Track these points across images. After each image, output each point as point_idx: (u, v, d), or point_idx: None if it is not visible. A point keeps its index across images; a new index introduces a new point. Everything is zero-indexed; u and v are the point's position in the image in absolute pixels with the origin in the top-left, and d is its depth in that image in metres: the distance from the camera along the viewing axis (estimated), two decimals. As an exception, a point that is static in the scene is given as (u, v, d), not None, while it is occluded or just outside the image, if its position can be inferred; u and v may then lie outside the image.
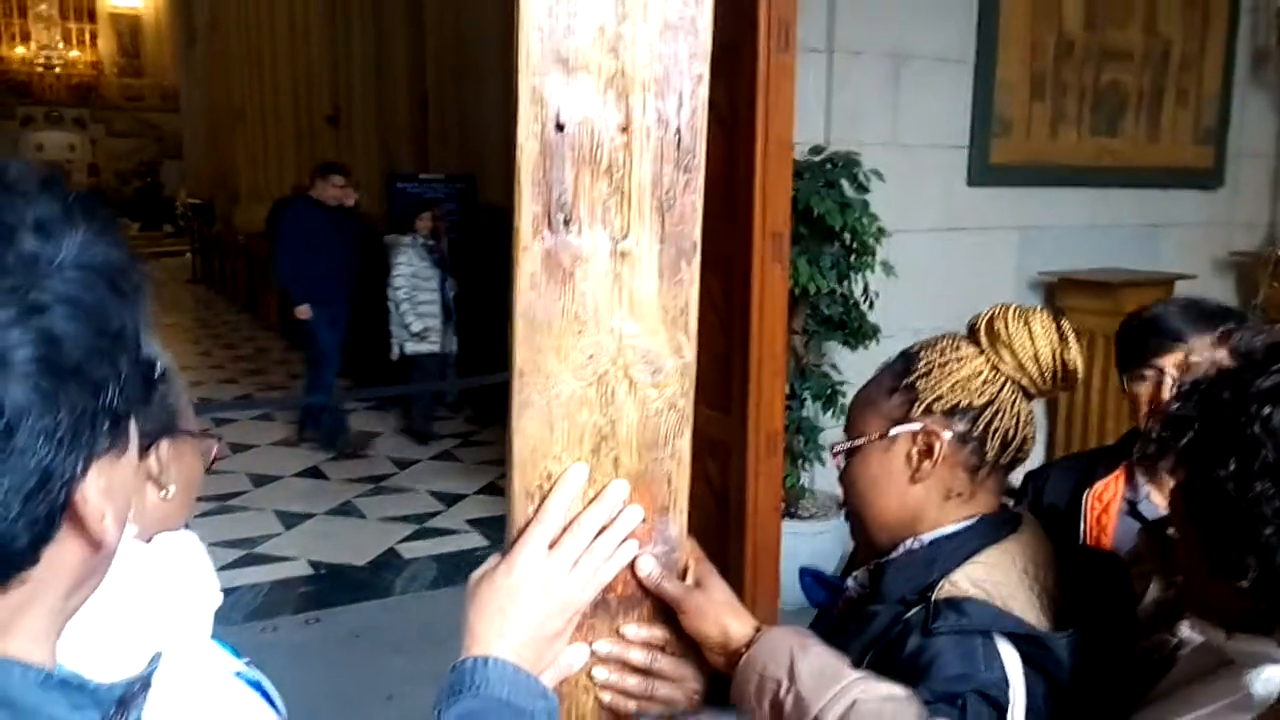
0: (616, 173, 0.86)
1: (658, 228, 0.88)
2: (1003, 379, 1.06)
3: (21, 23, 23.72)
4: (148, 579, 0.92)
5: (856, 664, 0.93)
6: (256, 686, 1.08)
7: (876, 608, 1.04)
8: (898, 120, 4.16)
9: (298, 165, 12.02)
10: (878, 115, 4.09)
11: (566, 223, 0.85)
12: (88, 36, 24.41)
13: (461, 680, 0.82)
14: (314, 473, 5.68)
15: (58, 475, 0.47)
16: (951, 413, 1.05)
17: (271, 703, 1.07)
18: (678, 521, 0.93)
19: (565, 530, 0.88)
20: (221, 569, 3.87)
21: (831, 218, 3.66)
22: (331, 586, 4.29)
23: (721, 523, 3.50)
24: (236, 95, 13.85)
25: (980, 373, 1.06)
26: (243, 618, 3.84)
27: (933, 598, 0.99)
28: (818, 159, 3.82)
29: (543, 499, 0.88)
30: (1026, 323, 1.06)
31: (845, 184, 3.78)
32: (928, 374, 1.06)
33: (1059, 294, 4.49)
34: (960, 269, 4.27)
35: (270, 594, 4.13)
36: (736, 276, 3.31)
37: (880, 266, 3.88)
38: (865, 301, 3.87)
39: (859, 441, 1.10)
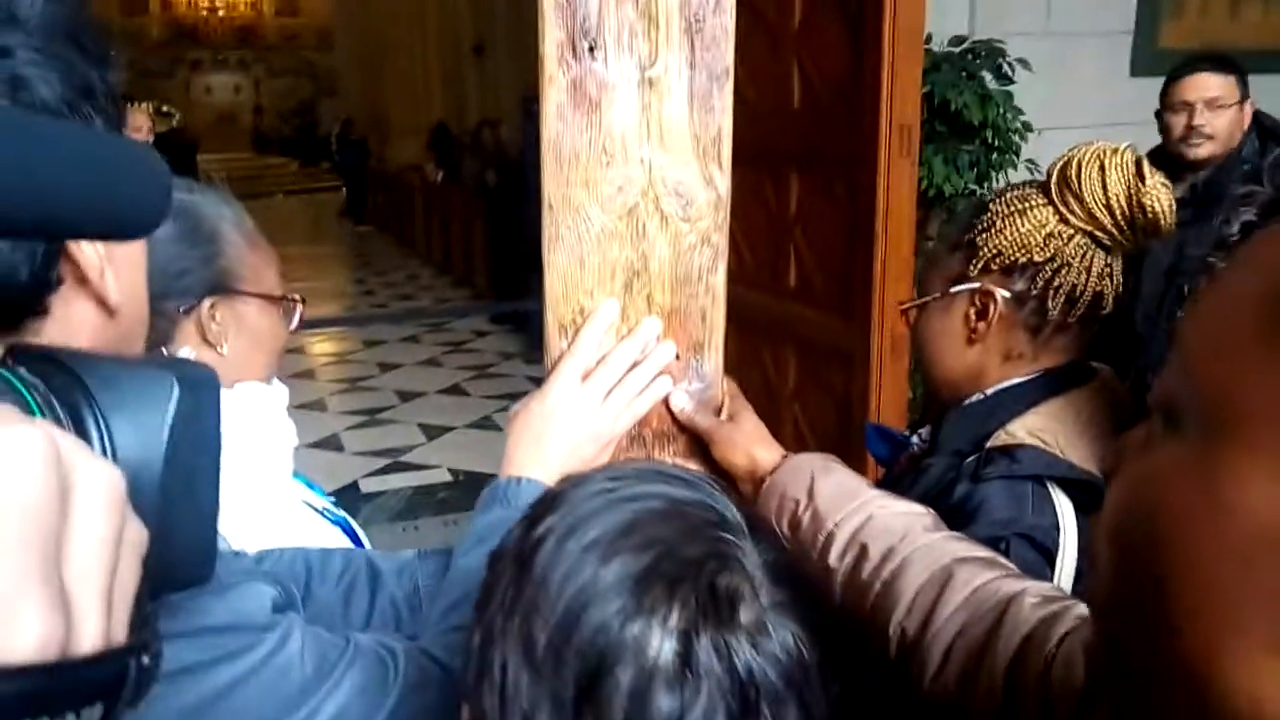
0: (642, -5, 0.83)
1: (687, 53, 0.85)
2: (1072, 231, 0.97)
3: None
4: (224, 419, 0.98)
5: None
6: (343, 524, 1.14)
7: (932, 460, 1.01)
8: (1051, 7, 3.86)
9: (444, 100, 12.32)
10: (1028, 3, 3.81)
11: (592, 50, 0.84)
12: (248, -21, 25.49)
13: (495, 495, 0.85)
14: (456, 390, 5.90)
15: None
16: (1010, 270, 0.99)
17: (356, 540, 1.14)
18: (712, 359, 0.92)
19: (598, 364, 0.88)
20: (368, 475, 4.09)
21: (970, 112, 3.45)
22: (469, 492, 4.48)
23: (844, 434, 3.44)
24: (386, 32, 14.23)
25: (1045, 225, 0.98)
26: (387, 519, 4.08)
27: (987, 446, 0.95)
28: (958, 50, 3.60)
29: (575, 334, 0.88)
30: (1101, 166, 0.96)
31: (988, 76, 3.55)
32: (989, 228, 1.00)
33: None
34: (1115, 169, 3.97)
35: (413, 498, 4.36)
36: (861, 175, 3.19)
37: (1025, 165, 3.65)
38: (1007, 204, 3.67)
39: (921, 301, 1.06)
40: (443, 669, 0.70)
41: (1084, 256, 0.98)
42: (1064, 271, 0.98)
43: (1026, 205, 0.99)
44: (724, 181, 0.88)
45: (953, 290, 1.02)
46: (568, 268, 0.87)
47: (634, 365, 0.89)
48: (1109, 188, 0.95)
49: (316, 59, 24.29)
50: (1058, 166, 0.99)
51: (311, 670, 0.63)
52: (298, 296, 1.12)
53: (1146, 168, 0.96)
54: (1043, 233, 0.98)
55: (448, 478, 4.65)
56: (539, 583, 0.48)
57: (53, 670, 0.27)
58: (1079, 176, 0.96)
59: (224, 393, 1.00)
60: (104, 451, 0.37)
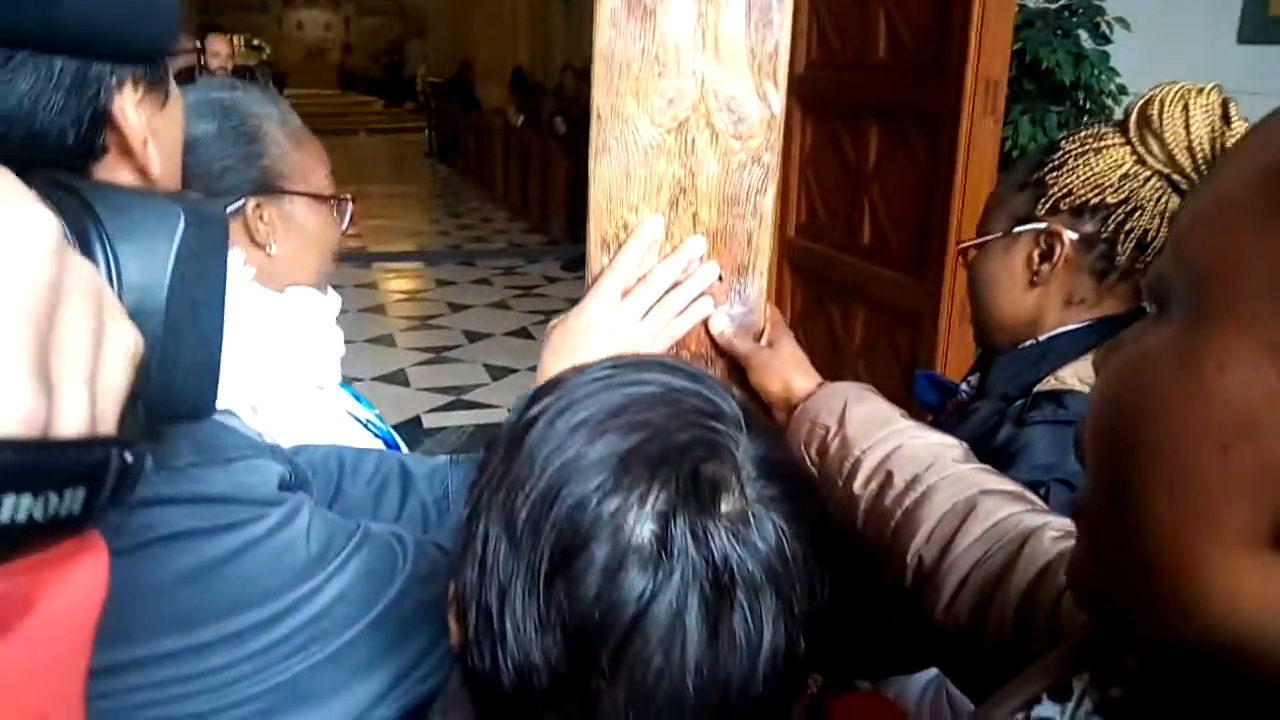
0: (705, -102, 0.80)
1: (748, -39, 0.82)
2: (1148, 173, 0.93)
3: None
4: (272, 320, 0.99)
5: None
6: (386, 437, 1.15)
7: (979, 404, 0.98)
8: (1155, -35, 3.67)
9: (531, 44, 12.29)
10: (1131, -40, 3.63)
11: (649, -46, 0.81)
12: (345, -82, 25.67)
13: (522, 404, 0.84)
14: (523, 333, 5.95)
15: (92, 77, 0.51)
16: (1080, 211, 0.94)
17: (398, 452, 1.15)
18: (756, 283, 0.90)
19: (639, 281, 0.87)
20: (431, 411, 4.15)
21: (1062, 71, 3.32)
22: (528, 433, 4.53)
23: (908, 395, 3.38)
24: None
25: (1121, 165, 0.93)
26: (447, 452, 4.15)
27: (1035, 390, 0.92)
28: (1054, 6, 3.46)
29: (618, 249, 0.87)
30: (1185, 105, 0.90)
31: (1084, 35, 3.41)
32: (1060, 167, 0.95)
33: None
34: (1215, 140, 3.79)
35: (474, 435, 4.42)
36: (943, 130, 3.10)
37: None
38: (1095, 169, 3.53)
39: (982, 240, 1.02)
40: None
41: (1159, 200, 0.93)
42: (1137, 215, 0.93)
43: (1102, 144, 0.94)
44: (779, 99, 0.85)
45: (1017, 230, 0.98)
46: (613, 180, 0.86)
47: (675, 285, 0.88)
48: (1192, 129, 0.90)
49: (406, 0, 24.42)
50: (1138, 104, 0.94)
51: (317, 549, 0.64)
52: (348, 195, 1.12)
53: (1234, 111, 0.90)
54: (1118, 173, 0.93)
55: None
56: (526, 459, 0.48)
57: (36, 446, 0.28)
58: (1161, 115, 0.91)
59: (273, 295, 1.02)
60: (109, 275, 0.38)
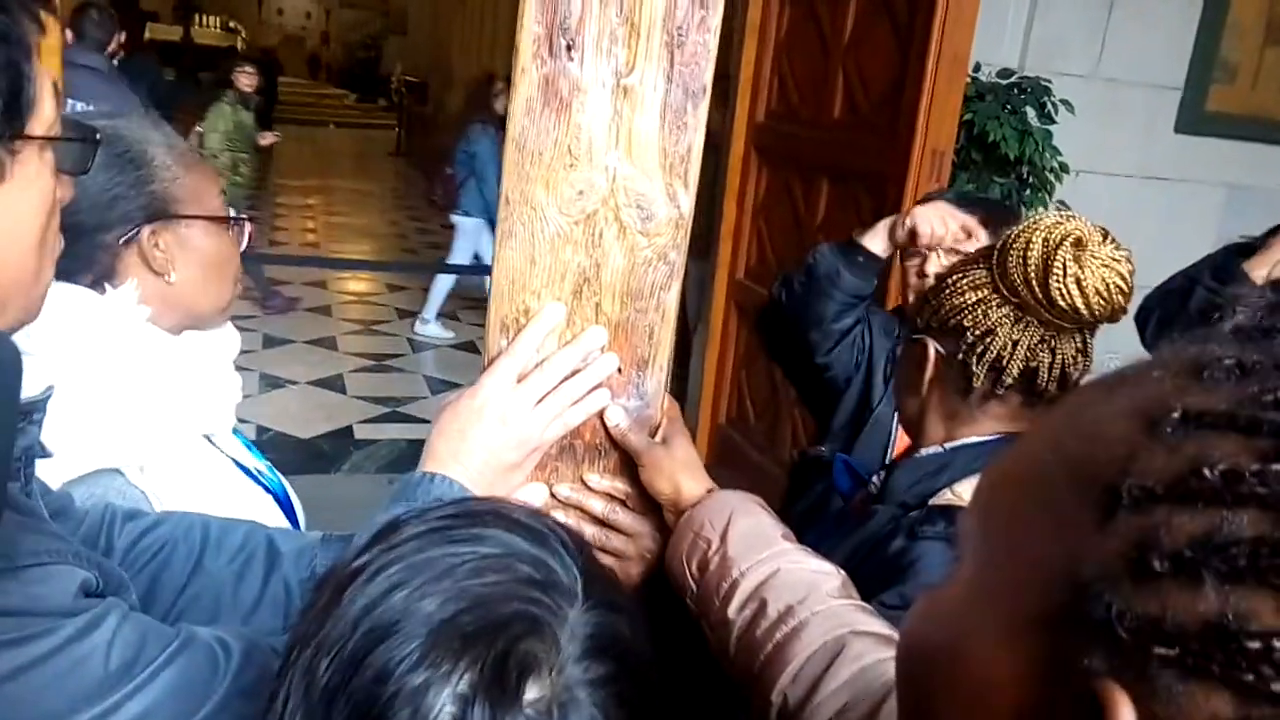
0: (627, 1, 0.82)
1: (666, 65, 0.83)
2: (999, 299, 0.94)
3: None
4: (164, 367, 0.97)
5: (844, 563, 0.89)
6: (278, 491, 1.13)
7: (878, 506, 1.00)
8: (1104, 53, 3.79)
9: (507, 52, 12.27)
10: (1082, 46, 3.74)
11: (569, 49, 0.82)
12: (336, -92, 25.56)
13: (405, 489, 0.83)
14: (469, 347, 5.92)
15: None
16: (943, 330, 0.97)
17: (287, 507, 1.12)
18: (656, 377, 0.91)
19: (536, 367, 0.87)
20: (364, 421, 4.06)
21: (1008, 145, 3.40)
22: (461, 451, 4.49)
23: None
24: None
25: (979, 289, 0.96)
26: (375, 468, 4.09)
27: (930, 503, 0.94)
28: (1004, 83, 3.55)
29: (517, 333, 0.88)
30: (1034, 238, 0.91)
31: (1031, 112, 3.50)
32: (937, 284, 0.99)
33: (1264, 264, 4.05)
34: (1151, 222, 3.90)
35: (405, 450, 4.37)
36: (890, 193, 3.16)
37: (1057, 206, 3.59)
38: (1035, 242, 3.62)
39: (899, 341, 1.05)
40: None
41: (1011, 327, 0.94)
42: (988, 339, 0.95)
43: (968, 268, 0.98)
44: (688, 200, 0.86)
45: (913, 336, 1.02)
46: (517, 264, 0.86)
47: (573, 373, 0.88)
48: (1029, 260, 0.91)
49: (391, -3, 24.32)
50: (1002, 237, 0.97)
51: (119, 663, 0.59)
52: (244, 215, 1.09)
53: (1095, 248, 0.90)
54: (974, 296, 0.96)
55: (443, 434, 4.66)
56: (340, 615, 0.46)
57: None
58: (1013, 244, 0.93)
59: (166, 339, 1.00)
60: None
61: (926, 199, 1.85)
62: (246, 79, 6.22)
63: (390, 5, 24.25)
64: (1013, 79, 3.58)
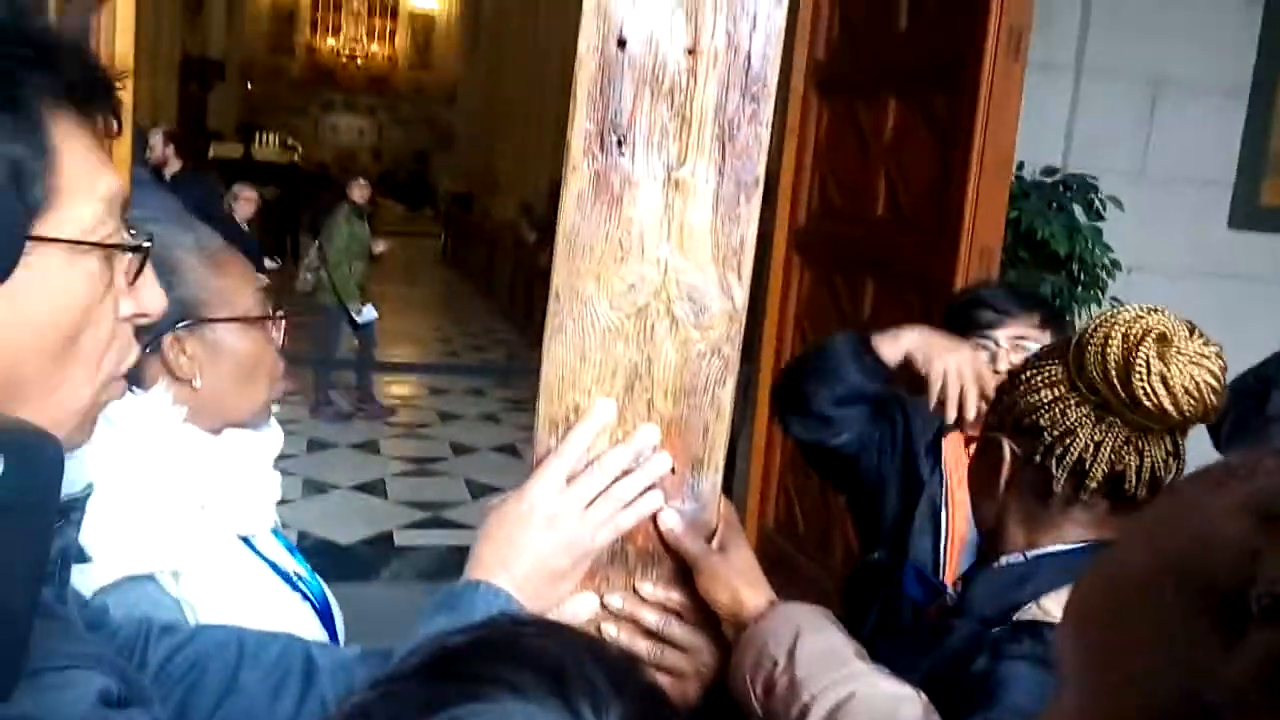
0: (678, 96, 0.81)
1: (717, 158, 0.82)
2: (1078, 400, 0.88)
3: (335, 17, 26.66)
4: (201, 467, 0.95)
5: (922, 683, 0.81)
6: (316, 594, 1.09)
7: (956, 620, 0.93)
8: (1149, 150, 3.77)
9: (554, 164, 12.66)
10: (1126, 143, 3.73)
11: (620, 144, 0.81)
12: (388, 33, 27.01)
13: (448, 599, 0.79)
14: (510, 450, 5.90)
15: None
16: (1020, 430, 0.92)
17: (326, 614, 1.08)
18: (711, 478, 0.86)
19: (586, 467, 0.83)
20: (405, 527, 4.04)
21: (1057, 243, 3.37)
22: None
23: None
24: (507, 94, 14.73)
25: (1056, 390, 0.90)
26: (414, 575, 4.03)
27: (1015, 618, 0.87)
28: (1049, 180, 3.54)
29: (566, 431, 0.84)
30: (1113, 332, 0.85)
31: (1078, 209, 3.48)
32: (1014, 385, 0.94)
33: (1329, 360, 3.92)
34: (1208, 319, 3.74)
35: (445, 556, 4.31)
36: (937, 291, 3.12)
37: (1111, 303, 3.53)
38: (1088, 340, 3.55)
39: (976, 439, 1.00)
40: None
41: (1093, 428, 0.88)
42: (1068, 440, 0.89)
43: (1042, 363, 0.92)
44: (741, 293, 0.83)
45: (989, 434, 0.96)
46: (567, 361, 0.84)
47: (624, 474, 0.84)
48: (1108, 357, 0.85)
49: (439, 112, 25.42)
50: (1078, 333, 0.91)
51: None
52: (279, 313, 1.06)
53: (1182, 343, 0.84)
54: (1050, 394, 0.90)
55: (485, 539, 4.61)
56: None
57: None
58: (1090, 339, 0.87)
59: (204, 438, 0.97)
60: None
61: (974, 293, 1.79)
62: (360, 191, 6.44)
63: (437, 121, 25.30)
64: (1057, 176, 3.57)
